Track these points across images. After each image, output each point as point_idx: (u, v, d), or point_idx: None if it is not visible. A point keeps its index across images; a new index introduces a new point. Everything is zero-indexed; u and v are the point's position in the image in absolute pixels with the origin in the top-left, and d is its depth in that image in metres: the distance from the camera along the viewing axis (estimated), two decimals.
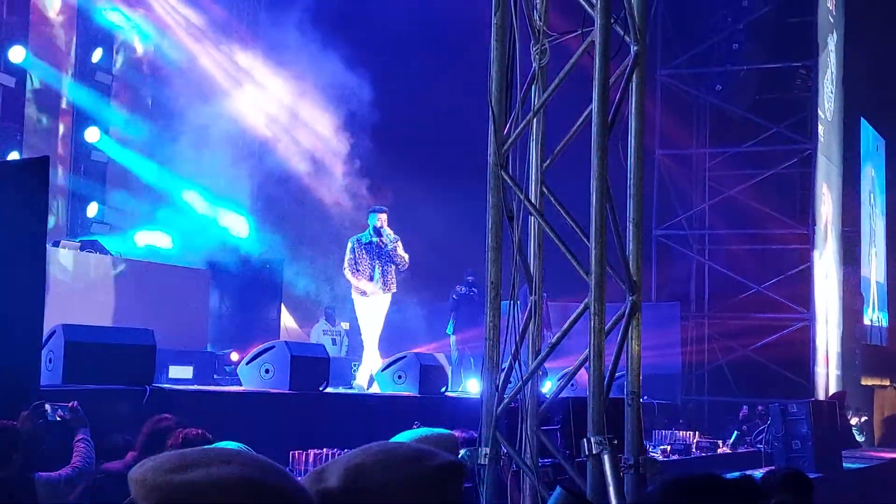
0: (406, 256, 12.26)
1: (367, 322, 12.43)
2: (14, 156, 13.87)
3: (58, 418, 6.29)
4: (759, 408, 15.94)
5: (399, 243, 12.23)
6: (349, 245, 12.43)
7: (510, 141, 6.36)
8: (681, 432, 13.59)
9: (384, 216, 12.31)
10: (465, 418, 9.81)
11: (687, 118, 19.45)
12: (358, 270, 12.25)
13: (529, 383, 6.35)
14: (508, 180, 6.33)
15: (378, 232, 12.18)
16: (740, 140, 18.79)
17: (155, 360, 8.66)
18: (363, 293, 12.29)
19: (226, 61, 17.66)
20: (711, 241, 19.16)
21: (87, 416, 6.56)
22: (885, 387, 22.95)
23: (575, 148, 6.89)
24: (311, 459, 8.50)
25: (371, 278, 12.20)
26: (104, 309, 12.45)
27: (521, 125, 6.47)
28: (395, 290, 12.47)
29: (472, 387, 13.64)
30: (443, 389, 12.01)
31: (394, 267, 12.26)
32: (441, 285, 17.47)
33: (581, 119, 6.39)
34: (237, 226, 17.02)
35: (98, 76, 15.67)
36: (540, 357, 6.24)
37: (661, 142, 18.96)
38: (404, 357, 11.89)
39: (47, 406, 6.27)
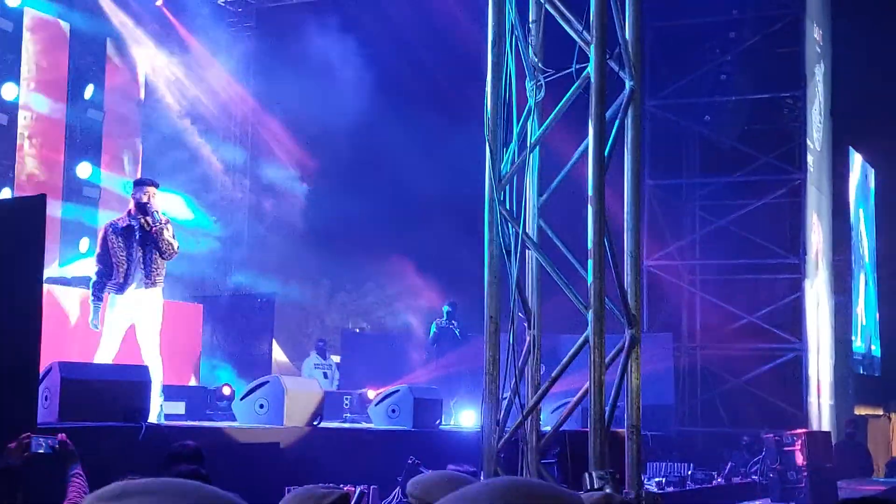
0: (175, 244, 9.91)
1: (143, 323, 9.86)
2: (6, 193, 13.87)
3: (47, 450, 6.23)
4: (745, 439, 15.95)
5: (169, 226, 9.91)
6: (101, 232, 10.02)
7: (507, 176, 6.40)
8: (675, 464, 13.54)
9: (153, 190, 9.93)
10: (460, 452, 9.79)
11: (676, 148, 19.52)
12: (113, 263, 9.74)
13: (530, 417, 6.35)
14: (506, 214, 6.36)
15: (143, 209, 9.77)
16: (730, 170, 18.86)
17: (150, 396, 8.63)
18: (119, 289, 9.75)
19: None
20: (702, 272, 19.20)
21: (84, 454, 6.53)
22: (878, 416, 22.96)
23: (570, 181, 6.93)
24: None
25: (128, 271, 9.73)
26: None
27: (518, 161, 6.51)
28: (162, 285, 10.03)
29: (465, 420, 13.61)
30: (438, 423, 11.98)
31: (158, 255, 9.81)
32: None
33: (577, 153, 6.43)
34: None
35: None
36: (540, 391, 6.24)
37: (651, 172, 19.02)
38: (398, 391, 11.86)
39: (35, 439, 6.22)
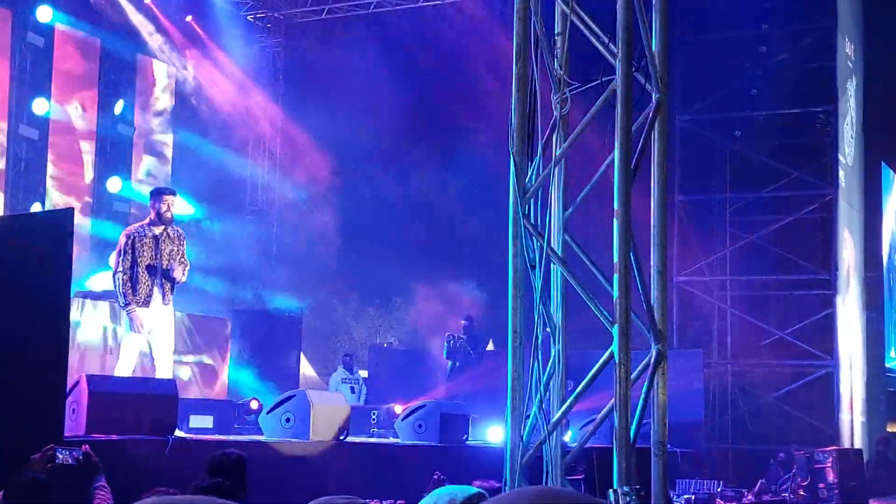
0: (188, 263, 9.90)
1: (159, 334, 9.81)
2: (37, 207, 13.98)
3: (72, 461, 6.24)
4: (781, 455, 15.76)
5: (185, 242, 9.86)
6: (124, 240, 9.74)
7: (532, 189, 6.37)
8: (705, 481, 13.43)
9: (172, 199, 9.92)
10: (487, 468, 9.75)
11: (706, 164, 19.41)
12: (135, 274, 9.61)
13: (554, 433, 6.30)
14: (530, 228, 6.32)
15: (164, 219, 9.76)
16: (760, 185, 18.73)
17: (177, 409, 8.66)
18: (143, 302, 9.68)
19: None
20: (733, 288, 19.06)
21: (110, 467, 6.54)
22: None
23: (596, 195, 6.89)
24: None
25: (151, 284, 9.67)
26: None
27: (543, 174, 6.48)
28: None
29: (492, 436, 13.56)
30: (465, 438, 11.93)
31: (177, 270, 9.79)
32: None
33: (603, 167, 6.39)
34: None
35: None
36: (564, 406, 6.19)
37: (682, 187, 18.94)
38: (424, 406, 11.83)
39: (60, 452, 6.23)
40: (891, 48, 19.50)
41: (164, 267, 9.78)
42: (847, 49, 18.66)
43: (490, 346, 18.17)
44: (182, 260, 9.90)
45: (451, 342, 15.98)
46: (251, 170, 18.81)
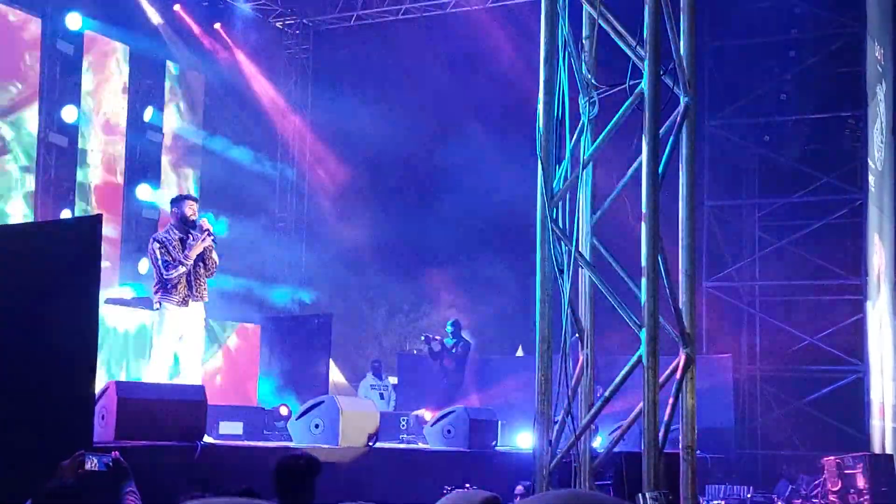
0: (217, 259, 10.11)
1: (188, 338, 9.97)
2: (66, 214, 14.08)
3: (101, 467, 6.26)
4: (785, 466, 15.71)
5: (213, 241, 10.03)
6: (156, 245, 9.86)
7: (559, 193, 6.36)
8: (735, 486, 13.36)
9: (195, 204, 10.20)
10: (516, 473, 9.73)
11: (736, 169, 19.34)
12: (163, 277, 9.80)
13: (583, 438, 6.28)
14: (558, 233, 6.31)
15: (190, 224, 9.97)
16: (790, 191, 18.64)
17: (206, 415, 8.68)
18: (183, 301, 9.88)
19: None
20: (762, 293, 18.96)
21: (139, 473, 6.55)
22: None
23: (627, 199, 6.87)
24: None
25: (178, 285, 9.82)
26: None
27: (571, 178, 6.47)
28: (206, 300, 10.18)
29: (521, 441, 13.53)
30: (494, 444, 11.91)
31: (204, 270, 10.00)
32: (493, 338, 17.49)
33: (630, 170, 6.38)
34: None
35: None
36: (593, 411, 6.17)
37: (711, 193, 18.87)
38: (453, 411, 11.83)
39: (89, 458, 6.25)
40: None
41: (193, 269, 9.86)
42: (877, 53, 18.53)
43: (519, 352, 18.17)
44: (210, 259, 9.99)
45: (430, 344, 16.15)
46: (281, 176, 18.89)
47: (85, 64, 15.07)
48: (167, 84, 16.66)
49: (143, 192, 15.81)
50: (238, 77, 17.79)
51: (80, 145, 14.97)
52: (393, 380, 17.58)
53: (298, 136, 19.34)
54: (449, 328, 16.35)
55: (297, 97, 19.23)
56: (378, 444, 10.51)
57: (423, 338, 16.63)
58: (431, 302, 20.68)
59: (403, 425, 14.46)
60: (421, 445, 12.15)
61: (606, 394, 6.16)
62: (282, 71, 19.05)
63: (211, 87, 17.47)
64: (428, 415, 13.76)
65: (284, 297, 17.96)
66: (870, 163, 18.10)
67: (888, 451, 16.62)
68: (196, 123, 17.28)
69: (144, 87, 16.10)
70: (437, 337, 16.30)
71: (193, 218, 9.97)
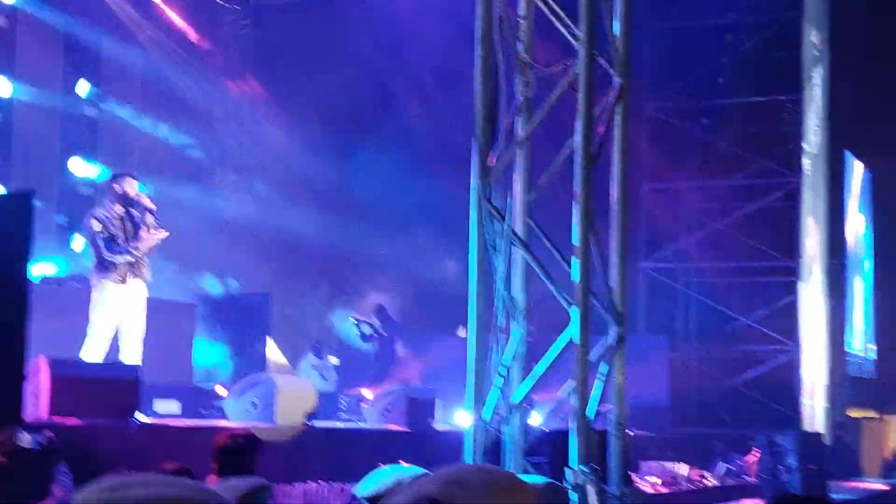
0: (161, 235, 9.94)
1: (127, 317, 9.84)
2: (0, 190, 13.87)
3: (34, 445, 6.21)
4: (719, 444, 15.99)
5: (153, 217, 9.84)
6: (94, 222, 9.73)
7: (494, 172, 6.39)
8: (669, 464, 13.55)
9: (134, 181, 9.99)
10: (453, 451, 9.78)
11: (674, 152, 19.50)
12: (100, 254, 9.67)
13: (516, 415, 6.34)
14: (493, 211, 6.34)
15: (129, 200, 9.80)
16: (727, 173, 18.85)
17: (139, 394, 8.62)
18: (122, 280, 9.73)
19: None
20: (699, 274, 19.19)
21: (72, 452, 6.51)
22: (872, 419, 22.90)
23: (562, 179, 6.92)
24: (298, 493, 8.47)
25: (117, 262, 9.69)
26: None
27: (507, 156, 6.50)
28: (149, 280, 10.08)
29: (459, 420, 13.60)
30: (431, 422, 11.96)
31: (145, 246, 9.83)
32: (433, 317, 17.53)
33: (566, 150, 6.42)
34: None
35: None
36: (524, 389, 6.23)
37: (650, 175, 19.04)
38: (392, 391, 11.87)
39: (21, 434, 6.19)
40: (857, 37, 19.63)
41: (130, 246, 9.74)
42: (813, 38, 18.77)
43: (461, 332, 18.22)
44: (150, 235, 9.84)
45: (359, 327, 16.24)
46: (221, 152, 18.73)
47: (19, 37, 14.82)
48: (102, 58, 16.43)
49: (77, 166, 15.61)
50: (174, 52, 17.57)
51: (14, 120, 14.74)
52: (334, 360, 17.56)
53: (237, 110, 19.16)
54: (376, 312, 16.46)
55: (238, 71, 19.04)
56: (316, 423, 10.50)
57: (352, 321, 16.66)
58: (373, 282, 20.66)
59: (343, 405, 14.47)
60: (360, 424, 12.17)
61: (536, 370, 6.22)
62: (222, 47, 18.86)
63: (146, 63, 17.25)
64: (368, 394, 13.79)
65: (225, 276, 17.85)
66: (805, 147, 18.37)
67: (819, 429, 16.96)
68: (130, 99, 17.07)
69: (79, 60, 15.88)
70: (367, 320, 16.37)
71: (134, 195, 9.84)
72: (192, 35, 17.72)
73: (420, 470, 3.45)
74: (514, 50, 6.59)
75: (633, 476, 11.14)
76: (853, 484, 14.96)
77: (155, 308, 14.02)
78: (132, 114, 16.88)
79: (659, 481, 12.58)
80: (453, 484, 1.80)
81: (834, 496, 13.18)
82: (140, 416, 8.63)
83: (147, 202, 9.91)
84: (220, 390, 13.49)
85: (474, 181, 6.34)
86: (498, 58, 6.34)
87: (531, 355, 7.11)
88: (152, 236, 9.78)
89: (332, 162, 18.06)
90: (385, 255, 18.42)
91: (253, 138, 18.98)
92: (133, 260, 9.73)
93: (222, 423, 10.29)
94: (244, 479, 3.31)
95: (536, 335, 13.79)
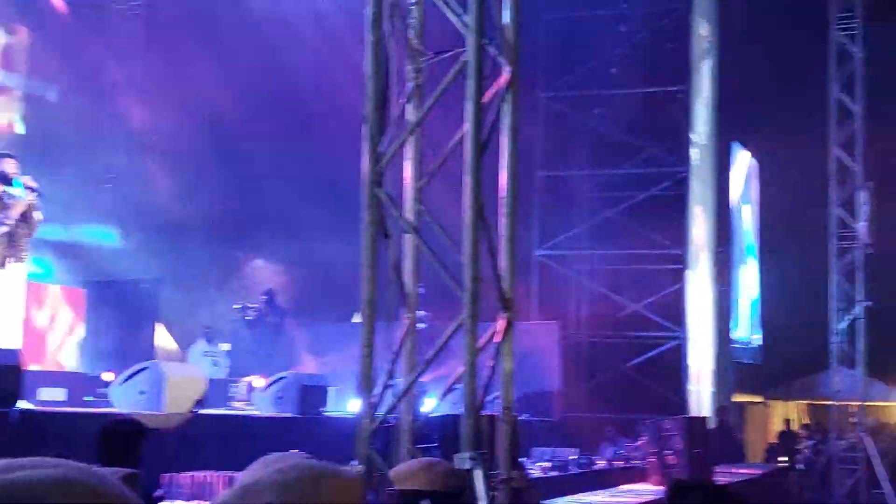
0: (41, 217, 9.60)
1: (6, 300, 9.52)
2: None
3: None
4: (609, 428, 16.30)
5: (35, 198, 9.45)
6: None
7: (385, 158, 6.39)
8: (559, 449, 13.73)
9: (13, 161, 9.62)
10: (344, 438, 9.77)
11: (568, 140, 19.75)
12: None
13: (405, 401, 6.36)
14: (384, 197, 6.35)
15: (7, 181, 9.40)
16: (618, 162, 19.17)
17: (21, 380, 8.41)
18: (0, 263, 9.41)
19: None
20: (591, 262, 19.49)
21: None
22: (756, 403, 23.55)
23: (454, 166, 6.95)
24: (186, 482, 8.37)
25: None
26: None
27: (397, 143, 6.50)
28: (27, 261, 9.77)
29: (353, 407, 13.58)
30: (322, 410, 11.92)
31: (25, 229, 9.52)
32: (329, 305, 17.45)
33: (456, 137, 6.45)
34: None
35: None
36: (414, 375, 6.25)
37: (543, 163, 19.24)
38: (284, 377, 11.78)
39: None
40: (744, 30, 20.08)
41: (8, 229, 9.47)
42: (702, 30, 19.15)
43: (356, 318, 18.15)
44: (32, 218, 9.57)
45: (245, 313, 16.16)
46: (106, 138, 18.34)
47: None
48: None
49: None
50: (67, 28, 17.13)
51: None
52: (226, 346, 17.35)
53: (126, 89, 18.77)
54: (263, 297, 16.35)
55: (120, 49, 18.63)
56: (205, 411, 10.38)
57: (238, 306, 16.51)
58: (266, 267, 20.49)
59: (234, 392, 14.31)
60: (251, 412, 12.06)
61: (427, 356, 6.26)
62: (111, 25, 18.43)
63: (39, 38, 16.78)
64: (260, 381, 13.67)
65: (113, 260, 17.49)
66: (693, 137, 18.76)
67: (705, 414, 17.37)
68: (20, 73, 16.62)
69: None
70: (252, 305, 16.25)
71: (13, 176, 9.55)
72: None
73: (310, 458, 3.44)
74: (405, 37, 6.60)
75: (524, 461, 11.28)
76: (737, 469, 15.36)
77: (41, 293, 13.77)
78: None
79: (549, 465, 12.72)
80: (288, 488, 1.81)
81: (719, 479, 13.52)
82: (22, 404, 8.42)
83: (30, 181, 9.62)
84: (108, 377, 13.24)
85: (365, 167, 6.33)
86: (389, 44, 6.33)
87: (430, 341, 7.14)
88: (22, 202, 9.44)
89: (223, 146, 17.82)
90: (279, 240, 18.29)
91: (143, 120, 18.61)
92: (8, 230, 9.40)
93: (108, 410, 10.10)
94: (115, 472, 3.25)
95: (435, 321, 13.88)
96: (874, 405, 21.28)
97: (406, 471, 3.22)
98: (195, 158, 17.78)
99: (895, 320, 19.95)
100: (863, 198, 18.98)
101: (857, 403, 19.14)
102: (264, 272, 19.89)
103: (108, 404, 10.93)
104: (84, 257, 16.58)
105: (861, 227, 18.18)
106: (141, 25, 18.85)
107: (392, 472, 2.92)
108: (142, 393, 9.90)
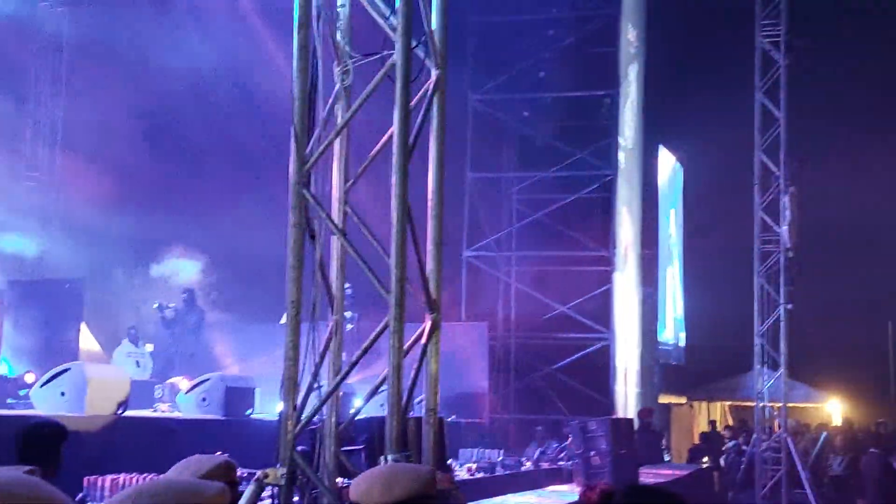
0: None
1: None
2: None
3: None
4: (539, 428, 16.42)
5: None
6: None
7: (312, 159, 6.35)
8: (487, 450, 13.78)
9: None
10: (268, 440, 9.70)
11: (497, 143, 19.86)
12: None
13: (329, 403, 6.33)
14: (311, 199, 6.31)
15: None
16: (546, 165, 19.30)
17: None
18: None
19: None
20: (519, 263, 19.60)
21: None
22: (681, 405, 23.83)
23: (382, 168, 6.94)
24: (107, 485, 8.25)
25: None
26: None
27: (324, 144, 6.47)
28: None
29: (279, 409, 13.49)
30: (248, 412, 11.83)
31: None
32: (254, 306, 17.30)
33: (384, 139, 6.44)
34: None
35: None
36: (339, 377, 6.23)
37: (473, 165, 19.30)
38: (209, 379, 11.68)
39: None
40: (671, 35, 20.32)
41: None
42: (630, 35, 19.36)
43: (284, 320, 18.01)
44: None
45: (163, 312, 16.04)
46: (31, 131, 18.03)
47: None
48: None
49: None
50: None
51: None
52: (150, 347, 17.13)
53: (51, 90, 18.48)
54: (182, 297, 16.20)
55: (51, 52, 18.36)
56: (129, 413, 10.25)
57: (156, 306, 16.32)
58: (193, 268, 20.27)
59: (158, 394, 14.14)
60: (175, 414, 11.94)
61: (353, 358, 6.24)
62: (34, 25, 18.13)
63: None
64: (184, 383, 13.53)
65: (32, 259, 17.20)
66: (620, 140, 18.95)
67: (631, 415, 17.55)
68: None
69: None
70: (170, 304, 16.09)
71: None
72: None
73: (217, 459, 3.40)
74: (333, 39, 6.57)
75: (451, 462, 11.30)
76: (661, 470, 15.53)
77: None
78: None
79: (476, 466, 12.76)
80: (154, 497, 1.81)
81: (644, 480, 13.65)
82: None
83: None
84: (30, 378, 13.01)
85: (292, 168, 6.29)
86: (317, 46, 6.30)
87: (358, 342, 7.08)
88: None
89: (148, 147, 17.60)
90: (204, 239, 18.09)
91: (68, 119, 18.33)
92: None
93: (29, 412, 9.93)
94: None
95: (363, 322, 13.83)
96: (796, 406, 21.63)
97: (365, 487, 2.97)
98: (120, 156, 17.53)
99: (816, 323, 20.31)
100: (785, 202, 19.28)
101: (780, 405, 19.45)
102: (190, 272, 19.68)
103: (29, 406, 10.75)
104: (6, 257, 16.26)
105: (783, 231, 18.46)
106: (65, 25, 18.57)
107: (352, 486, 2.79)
108: (63, 395, 9.75)
